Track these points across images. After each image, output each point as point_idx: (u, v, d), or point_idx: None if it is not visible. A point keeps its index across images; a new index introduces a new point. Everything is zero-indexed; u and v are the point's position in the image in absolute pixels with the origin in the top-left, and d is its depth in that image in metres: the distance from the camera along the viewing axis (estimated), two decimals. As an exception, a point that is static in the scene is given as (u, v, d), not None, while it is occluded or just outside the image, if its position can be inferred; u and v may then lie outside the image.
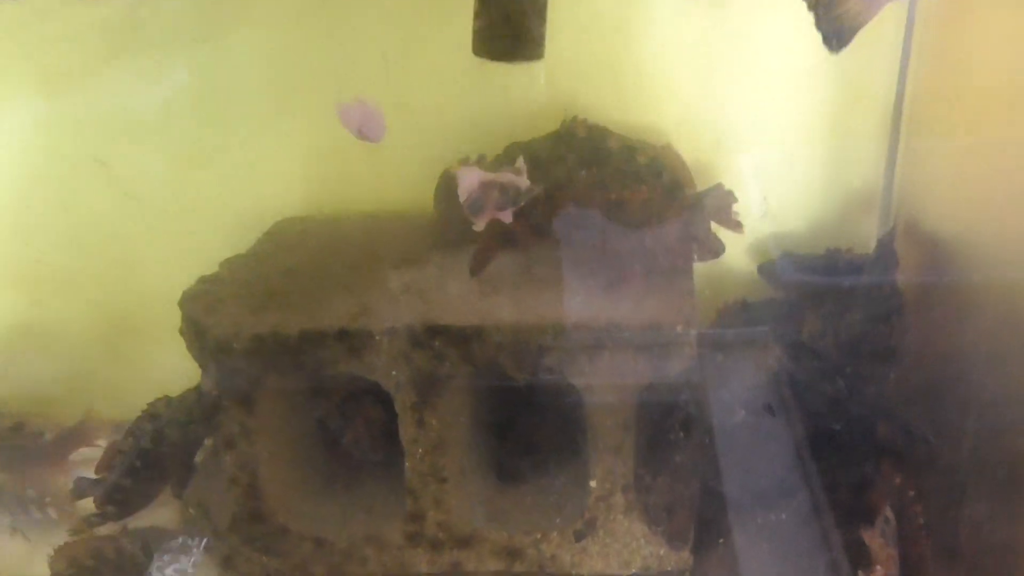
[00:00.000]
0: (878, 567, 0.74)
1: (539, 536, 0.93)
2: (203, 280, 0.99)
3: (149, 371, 1.17)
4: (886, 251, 0.92)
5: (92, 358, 1.23)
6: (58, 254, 1.19)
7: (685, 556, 0.91)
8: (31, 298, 1.21)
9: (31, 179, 1.16)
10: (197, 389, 1.04)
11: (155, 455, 1.05)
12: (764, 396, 0.96)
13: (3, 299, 1.21)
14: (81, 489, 1.04)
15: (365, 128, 0.88)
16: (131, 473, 1.04)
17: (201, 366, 0.92)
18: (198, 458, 1.10)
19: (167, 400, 1.07)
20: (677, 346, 0.84)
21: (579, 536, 0.92)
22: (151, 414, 1.05)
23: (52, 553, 0.90)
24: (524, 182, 0.85)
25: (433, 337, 0.86)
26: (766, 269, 1.05)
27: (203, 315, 0.91)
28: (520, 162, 0.87)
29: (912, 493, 0.82)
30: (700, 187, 0.99)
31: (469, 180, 0.85)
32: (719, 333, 0.99)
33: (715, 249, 0.89)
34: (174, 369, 1.08)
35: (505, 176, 0.86)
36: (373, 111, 0.88)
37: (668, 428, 0.89)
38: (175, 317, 0.94)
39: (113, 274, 1.20)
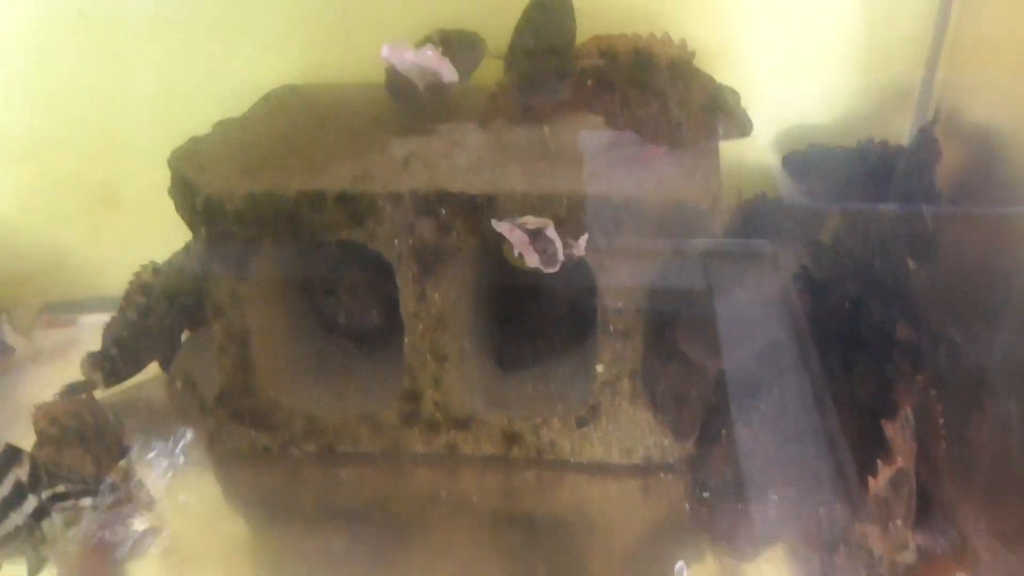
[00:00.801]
0: (898, 459, 0.71)
1: (539, 421, 0.89)
2: (195, 140, 0.92)
3: (134, 246, 1.12)
4: (927, 140, 0.86)
5: (76, 231, 1.17)
6: (40, 120, 1.13)
7: (689, 448, 0.88)
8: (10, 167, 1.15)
9: (7, 35, 1.08)
10: (186, 250, 0.99)
11: (143, 326, 1.01)
12: (781, 294, 0.91)
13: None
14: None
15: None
16: (118, 343, 1.00)
17: (191, 229, 0.87)
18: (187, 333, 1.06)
19: (153, 267, 1.02)
20: (700, 225, 0.79)
21: (581, 423, 0.89)
22: (142, 284, 1.01)
23: (34, 411, 0.86)
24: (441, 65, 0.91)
25: (439, 204, 0.81)
26: (791, 162, 0.99)
27: (194, 174, 0.85)
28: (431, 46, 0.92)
29: (933, 393, 0.78)
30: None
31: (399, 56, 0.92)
32: (738, 226, 0.94)
33: (742, 125, 0.83)
34: (161, 245, 1.05)
35: (422, 56, 0.91)
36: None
37: (681, 311, 0.85)
38: (163, 188, 0.88)
39: (97, 142, 1.13)
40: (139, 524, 0.84)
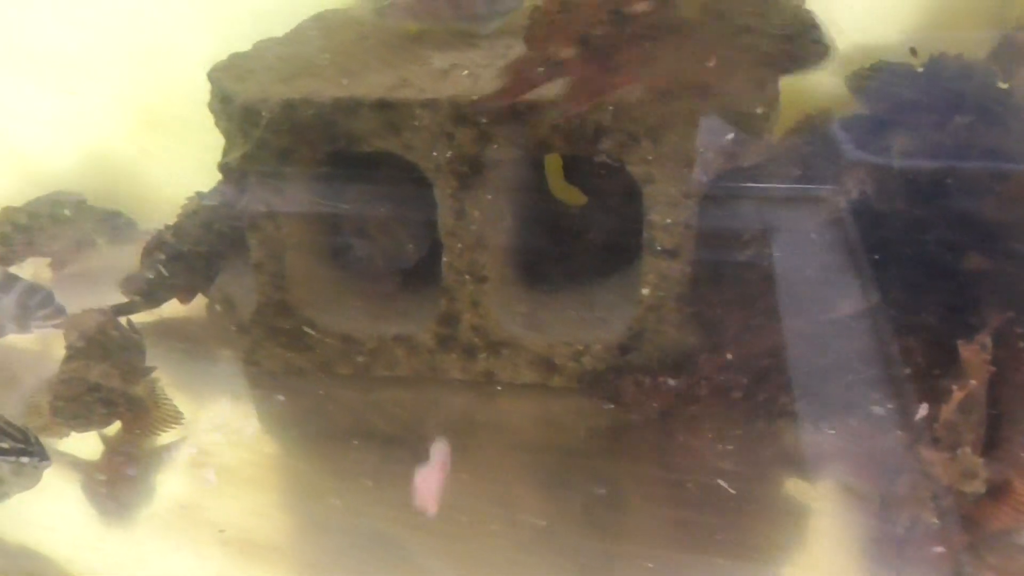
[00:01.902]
0: (972, 381, 0.65)
1: (580, 348, 0.86)
2: (235, 55, 0.91)
3: (176, 169, 1.12)
4: (1010, 47, 0.79)
5: (119, 155, 1.18)
6: (87, 43, 1.13)
7: (741, 378, 0.83)
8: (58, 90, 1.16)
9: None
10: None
11: (182, 250, 1.00)
12: (842, 217, 0.86)
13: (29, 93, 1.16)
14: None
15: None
16: (158, 265, 0.99)
17: (229, 141, 0.85)
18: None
19: (198, 196, 1.01)
20: (754, 131, 0.74)
21: (624, 350, 0.85)
22: (190, 211, 1.00)
23: (66, 322, 0.86)
24: None
25: (479, 112, 0.77)
26: (856, 81, 0.92)
27: (232, 84, 0.84)
28: None
29: (1011, 315, 0.72)
30: None
31: None
32: (797, 144, 0.88)
33: (824, 49, 0.74)
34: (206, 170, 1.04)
35: None
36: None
37: (736, 232, 0.80)
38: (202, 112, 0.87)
39: (141, 64, 1.13)
40: (166, 438, 0.85)
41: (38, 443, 0.73)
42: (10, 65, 1.15)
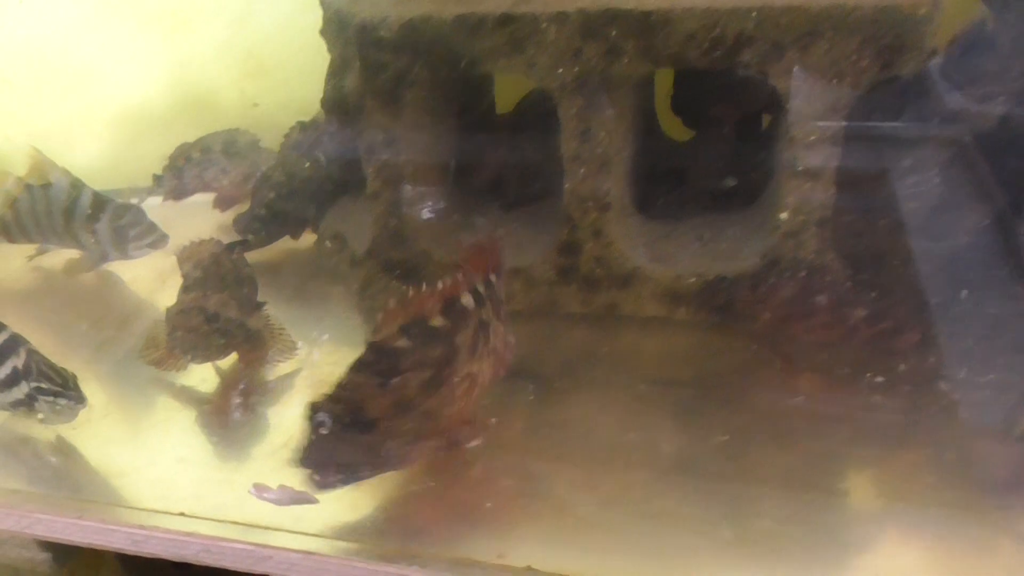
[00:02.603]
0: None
1: (710, 279, 0.82)
2: (348, -23, 0.88)
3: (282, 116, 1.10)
4: None
5: (225, 102, 1.17)
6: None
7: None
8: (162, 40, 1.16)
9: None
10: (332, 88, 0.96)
11: (291, 187, 0.99)
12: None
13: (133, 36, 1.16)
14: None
15: None
16: (267, 204, 0.99)
17: (344, 65, 0.83)
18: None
19: (300, 125, 1.00)
20: (913, 36, 0.68)
21: (756, 282, 0.80)
22: (292, 143, 0.99)
23: (180, 253, 0.86)
24: None
25: (609, 24, 0.73)
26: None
27: (347, 4, 0.81)
28: None
29: None
30: None
31: None
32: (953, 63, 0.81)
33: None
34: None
35: None
36: None
37: (885, 149, 0.75)
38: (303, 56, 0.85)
39: (243, 11, 1.12)
40: (283, 368, 0.84)
41: (76, 387, 0.78)
42: (117, 13, 1.16)
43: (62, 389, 0.76)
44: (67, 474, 0.77)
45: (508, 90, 0.95)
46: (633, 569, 0.61)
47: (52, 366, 0.77)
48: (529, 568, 0.60)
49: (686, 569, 0.60)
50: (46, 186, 0.98)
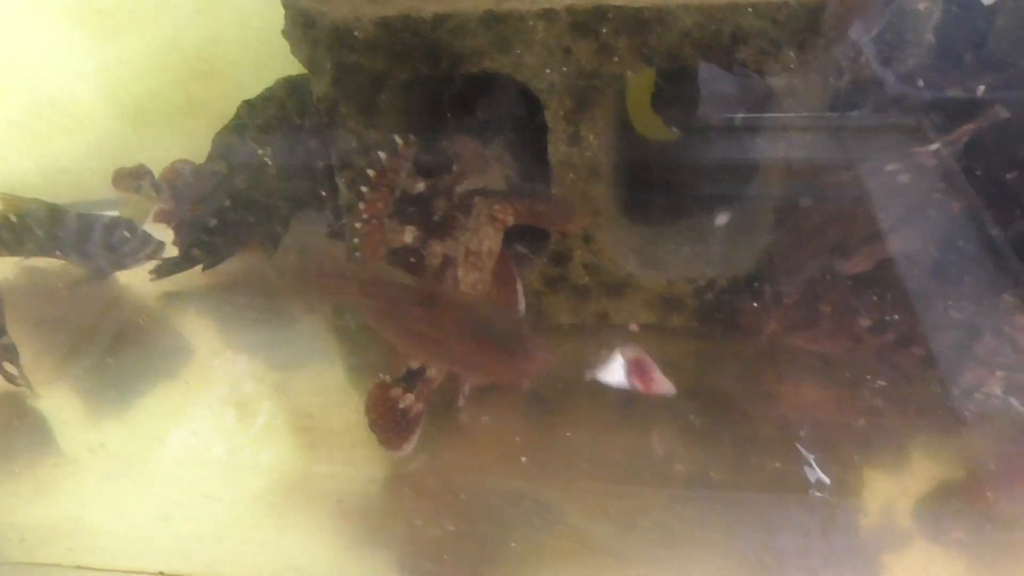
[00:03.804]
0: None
1: (703, 284, 0.79)
2: (310, -25, 0.82)
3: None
4: None
5: (169, 106, 1.09)
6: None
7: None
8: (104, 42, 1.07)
9: None
10: (285, 87, 0.89)
11: (250, 199, 0.93)
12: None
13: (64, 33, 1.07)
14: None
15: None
16: (218, 215, 0.92)
17: (312, 69, 0.77)
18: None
19: (248, 105, 0.93)
20: (914, 30, 0.66)
21: (752, 281, 0.78)
22: (236, 126, 0.92)
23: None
24: None
25: (600, 21, 0.69)
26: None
27: (315, 4, 0.76)
28: None
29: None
30: None
31: None
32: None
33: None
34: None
35: None
36: None
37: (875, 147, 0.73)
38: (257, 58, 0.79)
39: (190, 12, 1.04)
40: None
41: None
42: (51, 13, 1.06)
43: None
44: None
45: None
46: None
47: None
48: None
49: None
50: (22, 217, 0.93)
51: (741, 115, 0.88)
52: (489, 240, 0.70)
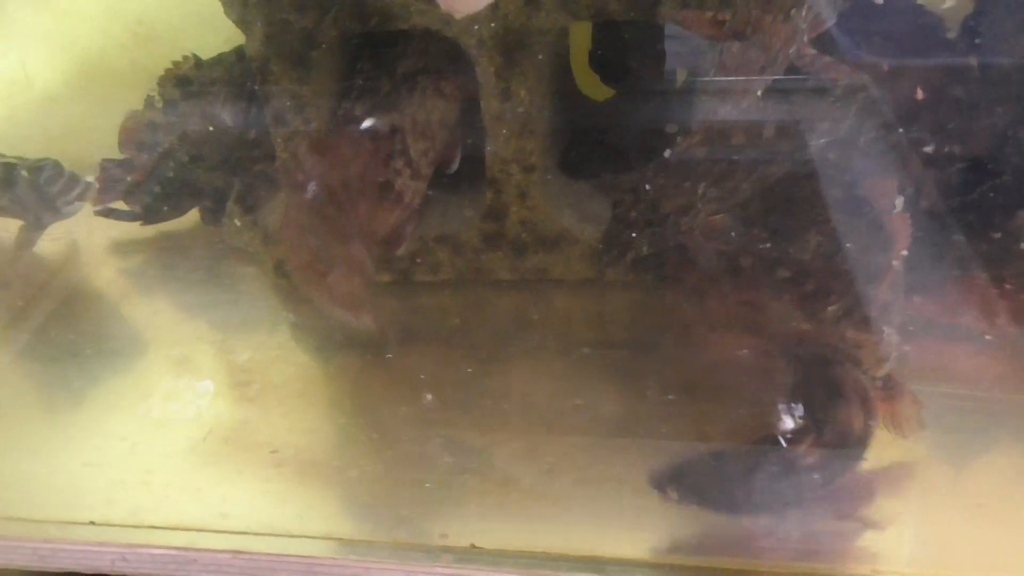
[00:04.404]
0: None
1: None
2: (240, -66, 0.82)
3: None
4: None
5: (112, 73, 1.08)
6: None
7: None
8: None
9: None
10: (236, 52, 0.89)
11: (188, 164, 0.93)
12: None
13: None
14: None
15: None
16: (159, 180, 0.92)
17: (244, 28, 0.77)
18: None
19: (196, 61, 0.93)
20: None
21: (684, 242, 0.80)
22: (177, 77, 0.91)
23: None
24: None
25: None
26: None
27: (245, -39, 0.75)
28: None
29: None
30: None
31: None
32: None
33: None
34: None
35: None
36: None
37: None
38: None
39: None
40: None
41: None
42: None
43: None
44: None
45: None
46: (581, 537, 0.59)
47: None
48: (472, 546, 0.58)
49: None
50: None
51: (680, 75, 0.90)
52: (439, 112, 0.75)
